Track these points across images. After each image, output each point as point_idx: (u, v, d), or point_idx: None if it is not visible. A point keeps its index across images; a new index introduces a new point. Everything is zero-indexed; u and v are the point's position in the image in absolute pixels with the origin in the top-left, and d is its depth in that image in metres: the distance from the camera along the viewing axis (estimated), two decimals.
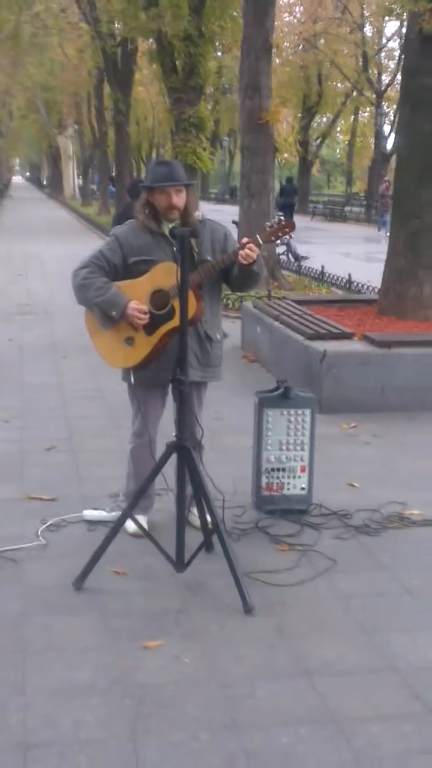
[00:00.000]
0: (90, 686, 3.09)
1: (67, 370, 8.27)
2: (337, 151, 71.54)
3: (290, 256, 17.75)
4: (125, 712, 2.94)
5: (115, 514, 4.58)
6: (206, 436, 4.31)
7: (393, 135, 36.81)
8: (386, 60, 41.12)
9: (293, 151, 24.10)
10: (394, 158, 25.74)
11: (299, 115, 43.53)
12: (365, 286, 12.61)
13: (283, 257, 17.32)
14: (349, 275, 13.27)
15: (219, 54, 37.66)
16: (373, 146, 43.24)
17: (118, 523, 3.89)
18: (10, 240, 24.61)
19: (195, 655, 3.30)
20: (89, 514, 4.64)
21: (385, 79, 40.47)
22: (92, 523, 4.57)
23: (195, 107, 16.76)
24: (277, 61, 32.42)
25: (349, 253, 22.36)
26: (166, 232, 4.04)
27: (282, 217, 4.20)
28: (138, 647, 3.34)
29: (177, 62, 16.77)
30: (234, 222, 13.81)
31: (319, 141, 48.04)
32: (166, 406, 4.41)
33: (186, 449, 3.79)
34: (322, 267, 14.71)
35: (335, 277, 14.08)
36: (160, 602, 3.72)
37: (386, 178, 31.88)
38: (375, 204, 35.90)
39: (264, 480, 4.81)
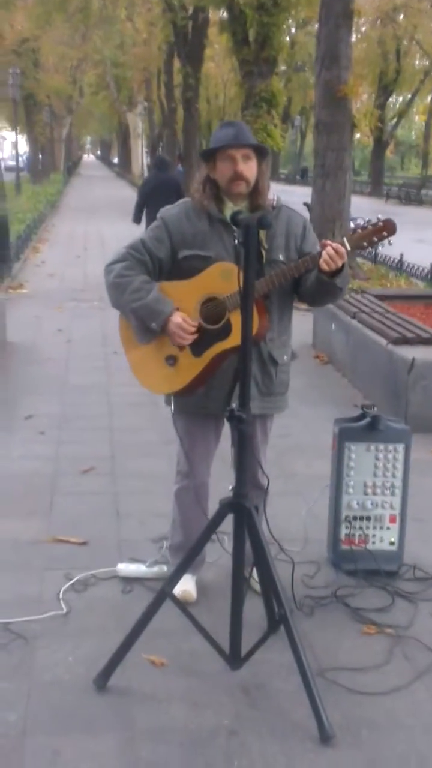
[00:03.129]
0: None
1: (117, 369, 7.34)
2: (413, 131, 69.42)
3: None
4: None
5: (157, 570, 3.71)
6: (270, 457, 3.41)
7: None
8: None
9: (375, 125, 22.69)
10: None
11: (374, 93, 41.85)
12: None
13: None
14: (431, 265, 12.14)
15: (292, 30, 36.43)
16: None
17: (155, 604, 2.96)
18: (73, 219, 23.89)
19: None
20: (125, 569, 3.74)
21: None
22: (128, 581, 3.67)
23: (267, 81, 15.69)
24: (354, 36, 30.99)
25: (423, 239, 21.03)
26: (228, 218, 3.06)
27: (380, 217, 3.18)
28: None
29: (249, 33, 15.74)
30: (305, 204, 12.73)
31: (394, 121, 46.28)
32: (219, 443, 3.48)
33: (245, 509, 2.85)
34: (401, 255, 13.56)
35: (415, 267, 12.96)
36: (207, 716, 2.79)
37: None
38: None
39: (343, 530, 3.86)
